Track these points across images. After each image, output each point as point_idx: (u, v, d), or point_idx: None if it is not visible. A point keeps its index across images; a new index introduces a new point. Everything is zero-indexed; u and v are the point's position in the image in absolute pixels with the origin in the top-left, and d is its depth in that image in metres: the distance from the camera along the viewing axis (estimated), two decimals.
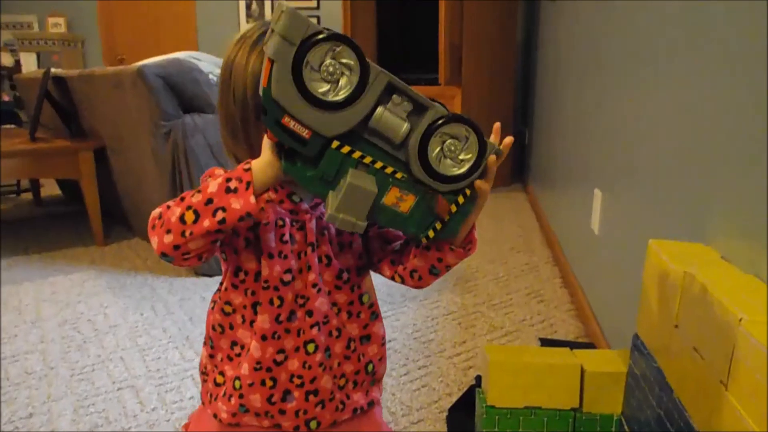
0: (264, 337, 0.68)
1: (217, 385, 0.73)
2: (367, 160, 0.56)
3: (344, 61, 0.53)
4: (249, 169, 0.59)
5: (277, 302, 0.68)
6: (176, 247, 0.60)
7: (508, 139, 0.62)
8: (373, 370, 0.78)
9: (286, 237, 0.67)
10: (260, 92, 0.54)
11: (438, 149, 0.57)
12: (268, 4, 4.60)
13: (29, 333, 1.59)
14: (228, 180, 0.59)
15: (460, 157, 0.58)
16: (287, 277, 0.68)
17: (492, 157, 0.60)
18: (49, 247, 2.38)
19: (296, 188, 0.69)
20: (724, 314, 0.60)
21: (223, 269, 0.72)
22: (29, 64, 4.66)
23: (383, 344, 0.79)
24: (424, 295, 1.84)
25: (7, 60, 4.80)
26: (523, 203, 3.12)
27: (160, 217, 0.61)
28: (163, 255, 0.61)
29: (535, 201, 2.96)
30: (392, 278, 0.73)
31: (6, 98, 4.58)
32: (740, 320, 0.57)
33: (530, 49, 3.65)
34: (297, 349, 0.70)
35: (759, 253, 0.70)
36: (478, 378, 1.03)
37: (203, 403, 0.76)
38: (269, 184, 0.60)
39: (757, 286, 0.66)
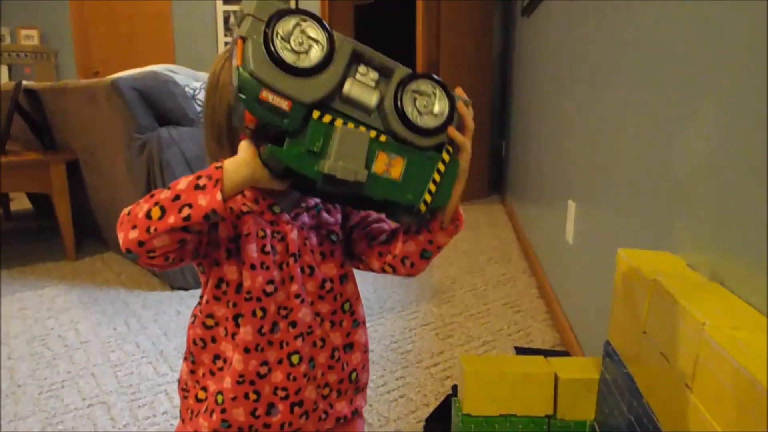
0: (247, 350, 0.68)
1: (198, 401, 0.71)
2: (350, 125, 0.57)
3: (311, 35, 0.56)
4: (220, 167, 0.59)
5: (259, 314, 0.67)
6: (141, 243, 0.59)
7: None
8: (356, 379, 0.78)
9: (268, 248, 0.67)
10: (233, 78, 0.55)
11: (411, 107, 0.59)
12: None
13: None
14: (198, 177, 0.59)
15: (434, 110, 0.60)
16: (270, 288, 0.68)
17: (463, 107, 0.62)
18: (19, 262, 2.33)
19: (277, 198, 0.69)
20: (689, 320, 0.61)
21: (202, 282, 0.72)
22: (1, 77, 4.57)
23: (365, 351, 0.79)
24: (401, 306, 1.84)
25: None
26: (500, 215, 3.16)
27: (129, 213, 0.61)
28: (128, 251, 0.60)
29: (512, 212, 3.00)
30: (383, 270, 0.73)
31: None
32: (703, 325, 0.58)
33: (506, 64, 3.71)
34: (280, 361, 0.69)
35: (722, 261, 0.72)
36: (455, 387, 1.04)
37: (183, 421, 0.75)
38: (241, 184, 0.60)
39: (720, 293, 0.68)
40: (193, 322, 0.72)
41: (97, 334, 1.64)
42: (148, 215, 0.59)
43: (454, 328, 1.69)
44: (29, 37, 4.75)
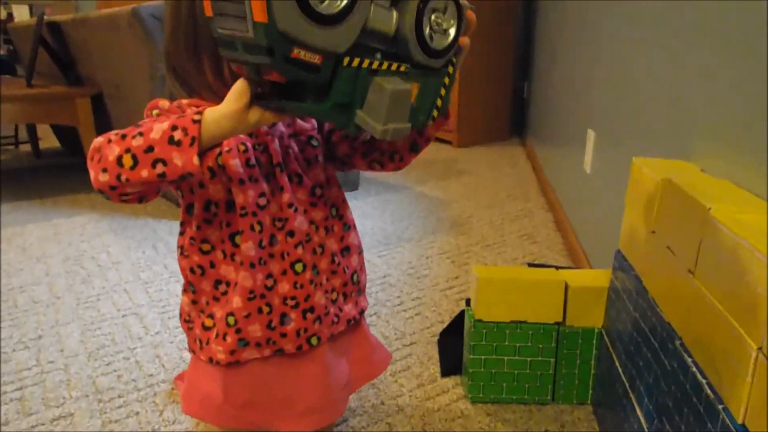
0: (252, 265, 0.66)
1: (206, 329, 0.71)
2: (375, 65, 0.54)
3: None
4: (198, 121, 0.54)
5: (257, 228, 0.66)
6: (112, 188, 0.56)
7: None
8: (357, 280, 0.78)
9: (252, 161, 0.64)
10: (252, 31, 0.49)
11: (428, 28, 0.56)
12: None
13: (34, 268, 1.63)
14: (173, 128, 0.54)
15: (446, 28, 0.58)
16: (262, 201, 0.66)
17: (471, 13, 0.60)
18: (50, 193, 2.41)
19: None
20: (695, 207, 0.63)
21: (182, 207, 0.69)
22: (22, 16, 4.59)
23: (360, 253, 0.79)
24: (419, 236, 1.88)
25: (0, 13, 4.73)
26: (520, 156, 3.14)
27: (99, 150, 0.56)
28: (100, 192, 0.58)
29: (533, 154, 2.98)
30: (370, 167, 0.73)
31: (1, 51, 4.53)
32: (709, 209, 0.60)
33: (531, 4, 3.60)
34: (284, 272, 0.68)
35: (732, 163, 0.73)
36: (468, 300, 1.08)
37: (193, 352, 0.74)
38: (220, 137, 0.56)
39: (728, 187, 0.70)
40: (183, 254, 0.70)
41: (128, 256, 1.72)
42: (119, 162, 0.55)
43: (470, 256, 1.72)
44: None
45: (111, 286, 1.51)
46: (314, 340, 0.72)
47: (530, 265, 1.22)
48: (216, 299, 0.70)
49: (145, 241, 1.83)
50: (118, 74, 2.22)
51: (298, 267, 0.69)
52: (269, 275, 0.68)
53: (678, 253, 0.67)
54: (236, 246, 0.67)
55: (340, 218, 0.76)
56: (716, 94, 0.80)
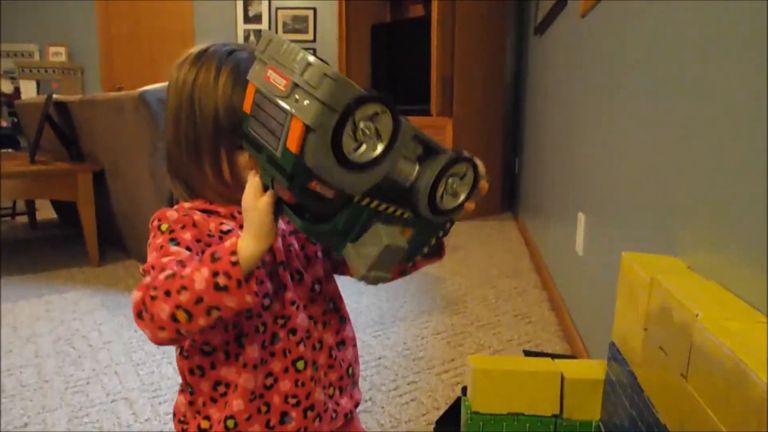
0: (255, 366, 0.67)
1: (201, 431, 0.70)
2: (383, 207, 0.56)
3: (379, 126, 0.51)
4: (237, 263, 0.55)
5: (261, 329, 0.67)
6: (173, 341, 0.59)
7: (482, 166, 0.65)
8: (352, 373, 0.79)
9: (259, 262, 0.66)
10: (277, 152, 0.50)
11: (442, 189, 0.58)
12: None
13: (24, 348, 1.61)
14: (215, 274, 0.55)
15: (459, 192, 0.60)
16: (266, 302, 0.67)
17: (483, 183, 0.63)
18: (44, 267, 2.41)
19: None
20: (683, 312, 0.65)
21: None
22: (28, 91, 4.74)
23: (354, 345, 0.80)
24: (414, 315, 1.88)
25: (7, 87, 4.88)
26: (512, 231, 3.19)
27: (145, 309, 0.57)
28: (161, 344, 0.60)
29: (525, 228, 3.03)
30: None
31: (5, 124, 4.64)
32: (696, 316, 0.62)
33: (519, 82, 3.77)
34: (286, 370, 0.68)
35: (720, 262, 0.76)
36: (464, 388, 1.07)
37: None
38: (258, 262, 0.57)
39: (716, 290, 0.72)
40: (182, 353, 0.70)
41: (120, 335, 1.70)
42: (174, 318, 0.56)
43: (465, 337, 1.72)
44: (57, 54, 4.93)
45: (101, 368, 1.48)
46: None
47: (526, 353, 1.22)
48: (214, 400, 0.69)
49: None
50: (120, 151, 2.29)
51: (300, 365, 0.69)
52: (269, 374, 0.68)
53: (670, 355, 0.68)
54: (242, 347, 0.67)
55: (336, 311, 0.77)
56: (703, 191, 0.84)
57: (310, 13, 4.72)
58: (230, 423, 0.68)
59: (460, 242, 2.88)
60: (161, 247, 0.62)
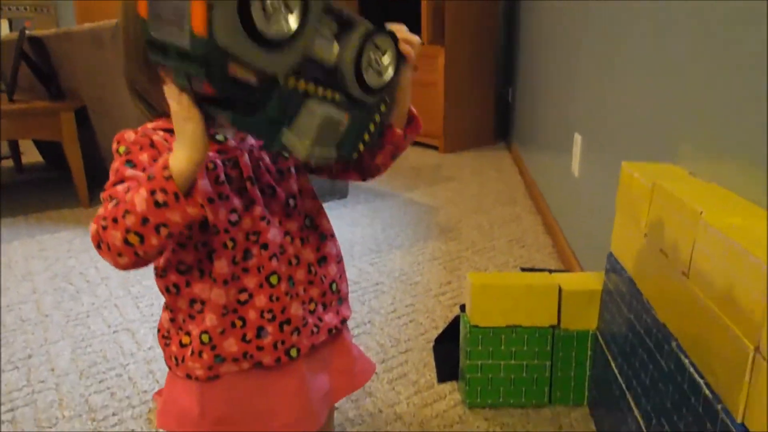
0: (225, 282, 0.67)
1: (182, 346, 0.70)
2: (311, 89, 0.54)
3: None
4: (170, 177, 0.55)
5: (230, 244, 0.67)
6: (135, 263, 0.60)
7: (414, 37, 0.63)
8: (337, 289, 0.79)
9: (222, 178, 0.65)
10: (186, 42, 0.47)
11: (366, 65, 0.56)
12: None
13: (20, 286, 1.61)
14: (152, 192, 0.56)
15: (385, 66, 0.58)
16: (233, 217, 0.66)
17: (409, 50, 0.61)
18: (34, 209, 2.38)
19: (217, 127, 0.67)
20: (686, 212, 0.65)
21: None
22: (1, 31, 4.53)
23: (339, 262, 0.80)
24: (409, 243, 1.89)
25: None
26: (506, 160, 3.16)
27: (101, 239, 0.59)
28: (127, 270, 0.61)
29: (519, 158, 3.01)
30: (363, 179, 0.76)
31: None
32: (700, 214, 0.61)
33: (513, 8, 3.64)
34: (261, 286, 0.68)
35: (720, 165, 0.75)
36: (463, 306, 1.09)
37: (170, 368, 0.74)
38: (196, 174, 0.57)
39: (717, 191, 0.71)
40: (158, 274, 0.71)
41: (117, 271, 1.69)
42: (127, 242, 0.57)
43: (461, 261, 1.73)
44: None
45: (101, 302, 1.49)
46: (293, 352, 0.72)
47: (523, 269, 1.23)
48: (192, 317, 0.70)
49: None
50: (102, 88, 2.21)
51: (273, 279, 0.69)
52: (243, 289, 0.68)
53: (671, 256, 0.68)
54: (213, 263, 0.67)
55: (315, 228, 0.76)
56: (702, 97, 0.82)
57: None
58: (204, 337, 0.69)
59: (454, 173, 2.86)
60: (117, 171, 0.63)
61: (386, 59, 0.59)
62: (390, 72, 0.59)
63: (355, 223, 2.08)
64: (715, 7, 0.78)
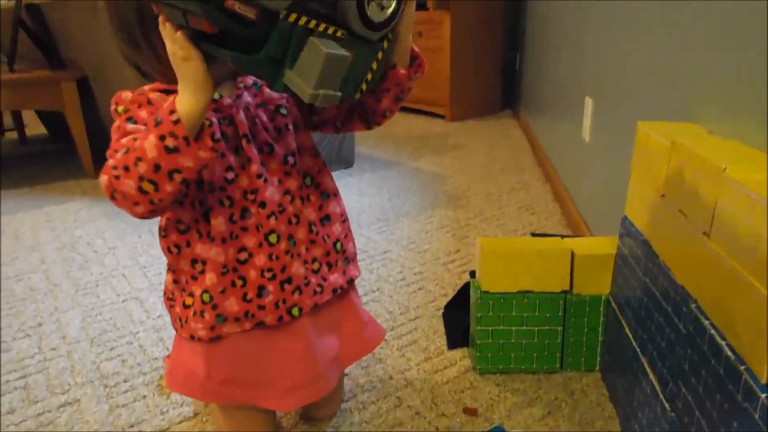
0: (224, 240, 0.67)
1: (186, 307, 0.71)
2: (312, 24, 0.52)
3: None
4: (178, 121, 0.55)
5: (227, 202, 0.66)
6: (152, 212, 0.60)
7: None
8: (342, 248, 0.78)
9: (218, 135, 0.64)
10: None
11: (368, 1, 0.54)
12: None
13: (29, 256, 1.61)
14: (162, 138, 0.55)
15: (386, 1, 0.56)
16: (230, 175, 0.66)
17: None
18: (39, 181, 2.37)
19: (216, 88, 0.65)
20: (708, 168, 0.62)
21: None
22: None
23: (344, 221, 0.79)
24: (417, 211, 1.87)
25: None
26: (513, 128, 3.12)
27: (114, 189, 0.58)
28: (144, 219, 0.62)
29: (527, 125, 2.96)
30: (367, 127, 0.74)
31: None
32: (724, 169, 0.59)
33: None
34: (260, 245, 0.68)
35: (743, 122, 0.72)
36: (473, 272, 1.07)
37: (176, 330, 0.75)
38: (203, 116, 0.57)
39: (739, 147, 0.68)
40: (161, 234, 0.71)
41: (124, 241, 1.69)
42: (141, 190, 0.57)
43: (469, 229, 1.72)
44: None
45: (109, 272, 1.49)
46: (295, 311, 0.72)
47: (533, 235, 1.21)
48: (194, 278, 0.70)
49: (140, 226, 1.81)
50: (102, 57, 2.17)
51: (272, 238, 0.69)
52: (243, 248, 0.68)
53: (691, 216, 0.66)
54: (210, 223, 0.67)
55: (316, 187, 0.75)
56: (719, 54, 0.79)
57: None
58: (205, 297, 0.68)
59: (461, 141, 2.82)
60: (119, 128, 0.63)
61: None
62: (393, 6, 0.57)
63: (361, 192, 2.06)
64: None
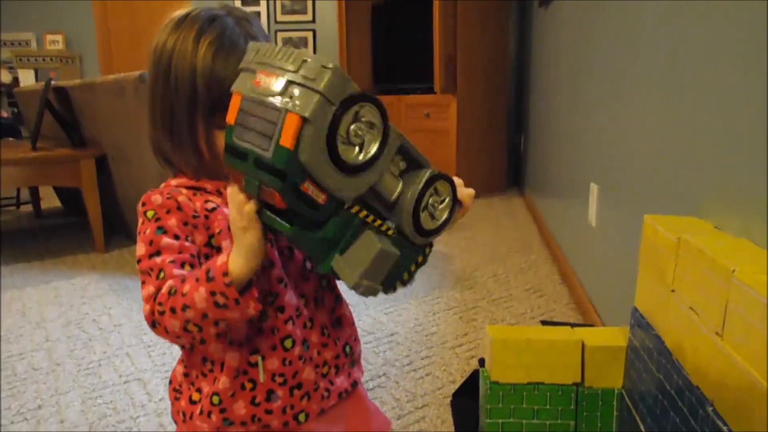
0: (240, 344, 0.67)
1: (192, 402, 0.70)
2: (370, 219, 0.56)
3: (369, 119, 0.51)
4: (231, 284, 0.56)
5: None
6: (192, 343, 0.64)
7: (470, 191, 0.66)
8: (350, 351, 0.77)
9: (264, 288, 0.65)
10: (268, 152, 0.48)
11: (424, 206, 0.58)
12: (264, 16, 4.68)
13: (34, 333, 1.60)
14: (212, 293, 0.57)
15: (441, 211, 0.61)
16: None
17: (465, 197, 0.64)
18: (50, 254, 2.40)
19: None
20: (718, 269, 0.63)
21: None
22: (27, 80, 4.70)
23: (353, 324, 0.79)
24: (424, 292, 1.86)
25: (6, 77, 4.84)
26: (519, 207, 3.16)
27: (157, 322, 0.59)
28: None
29: (533, 206, 3.00)
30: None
31: (5, 114, 4.61)
32: (733, 272, 0.59)
33: (523, 59, 3.72)
34: (274, 348, 0.68)
35: (749, 220, 0.73)
36: (482, 360, 1.06)
37: (176, 423, 0.73)
38: (253, 275, 0.58)
39: (748, 247, 0.69)
40: None
41: (130, 318, 1.69)
42: (186, 330, 0.59)
43: (477, 311, 1.70)
44: (54, 42, 4.88)
45: (113, 351, 1.47)
46: (302, 417, 0.71)
47: (543, 323, 1.20)
48: (204, 375, 0.69)
49: None
50: (122, 136, 2.26)
51: (288, 343, 0.68)
52: (256, 351, 0.67)
53: (702, 315, 0.66)
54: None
55: (331, 290, 0.76)
56: (727, 149, 0.81)
57: None
58: (215, 399, 0.68)
59: (467, 221, 2.85)
60: (151, 241, 0.63)
61: (443, 205, 0.61)
62: (443, 217, 0.61)
63: None
64: (738, 54, 0.78)
